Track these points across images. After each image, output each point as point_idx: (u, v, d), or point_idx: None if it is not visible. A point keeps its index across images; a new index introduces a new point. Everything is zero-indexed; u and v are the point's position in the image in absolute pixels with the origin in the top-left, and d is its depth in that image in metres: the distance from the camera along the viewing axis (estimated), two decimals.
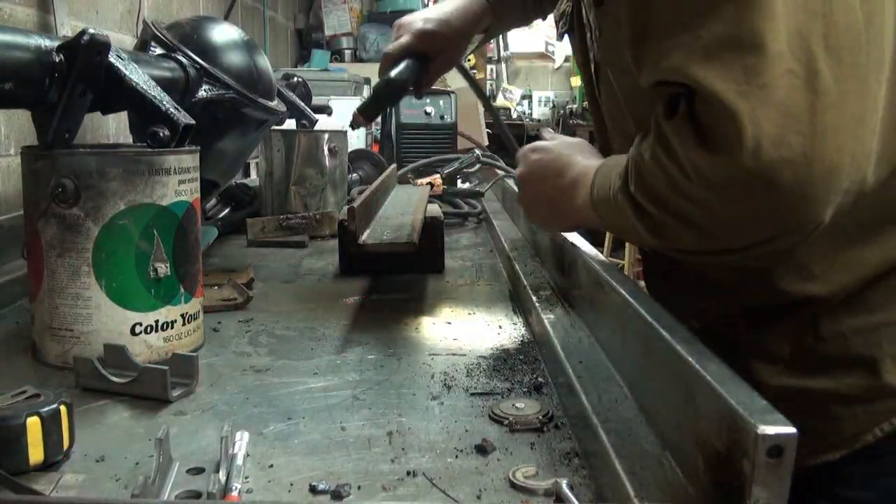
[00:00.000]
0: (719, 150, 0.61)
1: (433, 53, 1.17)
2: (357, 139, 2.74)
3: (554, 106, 6.98)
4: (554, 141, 0.96)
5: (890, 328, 0.78)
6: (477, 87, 1.48)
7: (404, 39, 1.11)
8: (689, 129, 0.64)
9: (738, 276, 0.83)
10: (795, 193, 0.61)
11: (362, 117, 1.14)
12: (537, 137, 1.08)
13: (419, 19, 1.14)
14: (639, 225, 0.72)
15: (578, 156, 0.91)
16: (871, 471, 0.80)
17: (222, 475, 0.60)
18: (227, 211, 1.86)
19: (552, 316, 0.94)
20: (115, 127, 1.70)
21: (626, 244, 3.96)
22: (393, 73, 1.11)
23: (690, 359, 0.53)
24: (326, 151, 1.81)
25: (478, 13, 1.15)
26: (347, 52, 5.00)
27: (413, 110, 2.55)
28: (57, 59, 0.83)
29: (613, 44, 0.81)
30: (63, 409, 0.63)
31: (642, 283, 1.00)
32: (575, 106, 6.71)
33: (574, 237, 1.04)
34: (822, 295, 0.79)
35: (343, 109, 2.56)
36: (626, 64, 0.75)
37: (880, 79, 0.64)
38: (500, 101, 6.77)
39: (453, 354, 0.93)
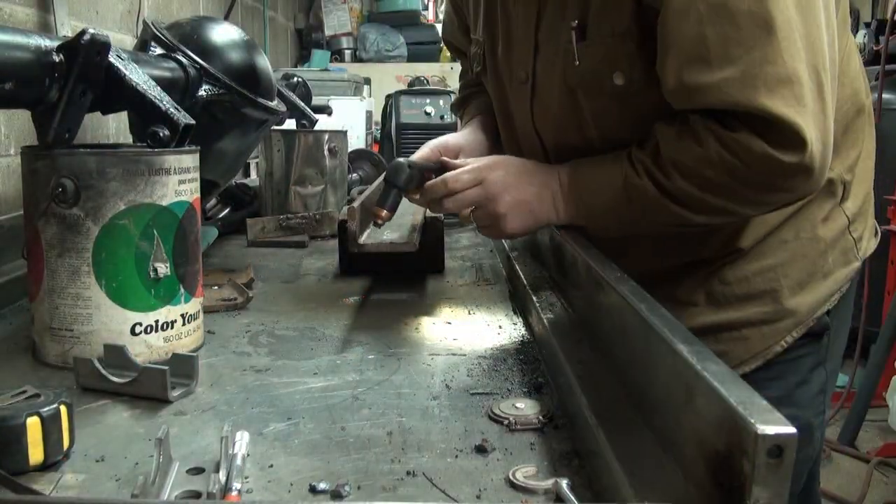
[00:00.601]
0: (792, 153, 0.86)
1: None
2: (357, 139, 2.74)
3: None
4: (490, 158, 1.09)
5: (783, 266, 1.05)
6: None
7: (419, 152, 1.17)
8: (758, 140, 0.86)
9: (683, 238, 1.04)
10: (819, 172, 0.88)
11: (383, 210, 1.07)
12: None
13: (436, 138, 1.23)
14: (670, 205, 0.94)
15: (528, 163, 1.08)
16: (772, 376, 1.06)
17: (222, 475, 0.59)
18: (227, 211, 1.86)
19: (552, 316, 0.94)
20: (115, 127, 1.70)
21: None
22: (404, 160, 1.10)
23: (690, 359, 0.53)
24: (326, 151, 1.81)
25: (485, 139, 1.27)
26: (347, 52, 5.00)
27: (413, 110, 2.56)
28: (57, 59, 0.83)
29: (595, 71, 0.99)
30: (63, 409, 0.63)
31: None
32: None
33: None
34: (742, 247, 1.04)
35: (343, 109, 2.57)
36: (609, 87, 0.97)
37: (836, 88, 0.93)
38: None
39: (453, 354, 0.93)
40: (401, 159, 1.09)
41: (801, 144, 0.85)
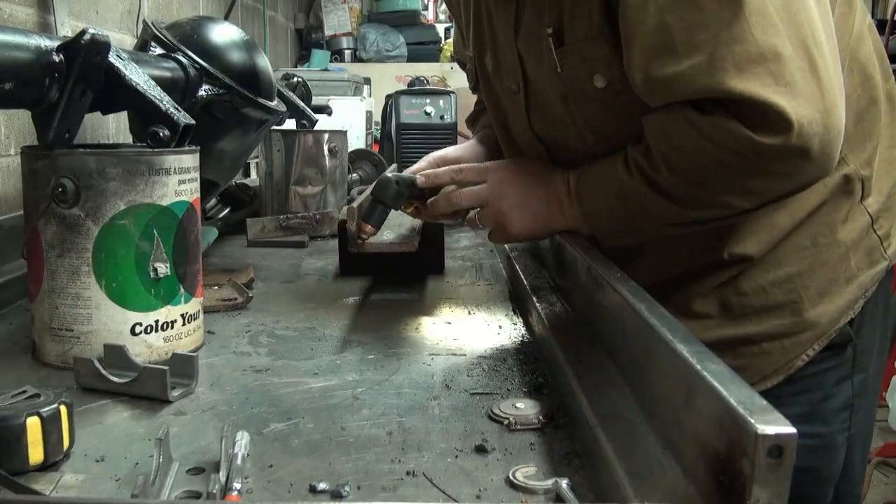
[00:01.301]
0: (774, 135, 0.79)
1: None
2: (357, 139, 2.74)
3: None
4: (497, 161, 1.10)
5: (803, 276, 0.99)
6: None
7: (417, 165, 1.15)
8: (735, 123, 0.80)
9: (686, 245, 1.00)
10: (821, 155, 0.81)
11: (368, 224, 1.07)
12: None
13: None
14: (664, 203, 0.89)
15: (537, 166, 1.06)
16: (795, 391, 1.02)
17: (222, 475, 0.59)
18: (227, 211, 1.86)
19: (552, 316, 0.94)
20: (115, 127, 1.70)
21: None
22: (391, 175, 1.08)
23: (690, 359, 0.53)
24: (326, 151, 1.81)
25: (485, 151, 1.25)
26: (347, 52, 5.00)
27: (413, 110, 2.55)
28: (57, 59, 0.83)
29: (577, 77, 0.95)
30: (63, 409, 0.63)
31: None
32: None
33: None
34: (750, 254, 0.99)
35: (343, 109, 2.56)
36: (592, 90, 0.94)
37: (839, 66, 0.84)
38: None
39: (453, 354, 0.93)
40: (388, 174, 1.09)
41: (785, 126, 0.78)
